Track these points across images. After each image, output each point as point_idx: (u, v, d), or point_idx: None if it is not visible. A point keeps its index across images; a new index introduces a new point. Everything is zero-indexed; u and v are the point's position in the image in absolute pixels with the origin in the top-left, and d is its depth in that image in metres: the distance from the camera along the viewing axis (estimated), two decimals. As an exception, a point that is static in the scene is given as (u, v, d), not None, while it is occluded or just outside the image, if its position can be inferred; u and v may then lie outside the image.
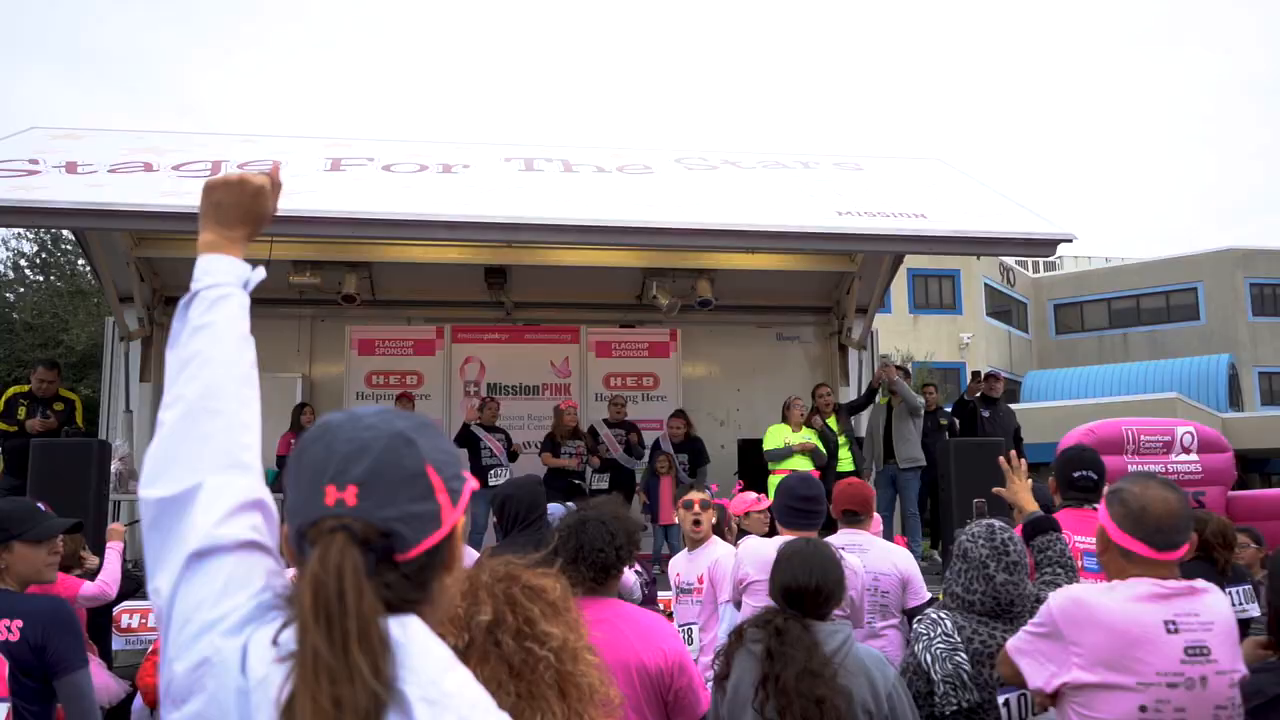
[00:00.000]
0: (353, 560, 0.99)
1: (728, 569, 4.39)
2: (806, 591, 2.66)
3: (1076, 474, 3.97)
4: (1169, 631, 2.20)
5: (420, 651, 1.01)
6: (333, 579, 0.97)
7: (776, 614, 2.67)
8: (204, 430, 1.17)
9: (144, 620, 5.98)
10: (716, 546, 4.79)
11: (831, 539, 4.08)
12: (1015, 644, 2.44)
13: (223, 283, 1.30)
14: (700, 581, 4.71)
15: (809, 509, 4.06)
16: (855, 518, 4.49)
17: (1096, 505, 3.96)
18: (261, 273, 1.35)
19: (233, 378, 1.23)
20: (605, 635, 1.65)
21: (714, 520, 4.90)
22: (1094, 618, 2.25)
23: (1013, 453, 3.64)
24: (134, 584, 4.95)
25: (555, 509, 4.18)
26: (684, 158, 9.35)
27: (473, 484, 1.15)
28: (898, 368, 9.64)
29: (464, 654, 1.31)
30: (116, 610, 5.76)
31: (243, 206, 1.38)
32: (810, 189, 8.34)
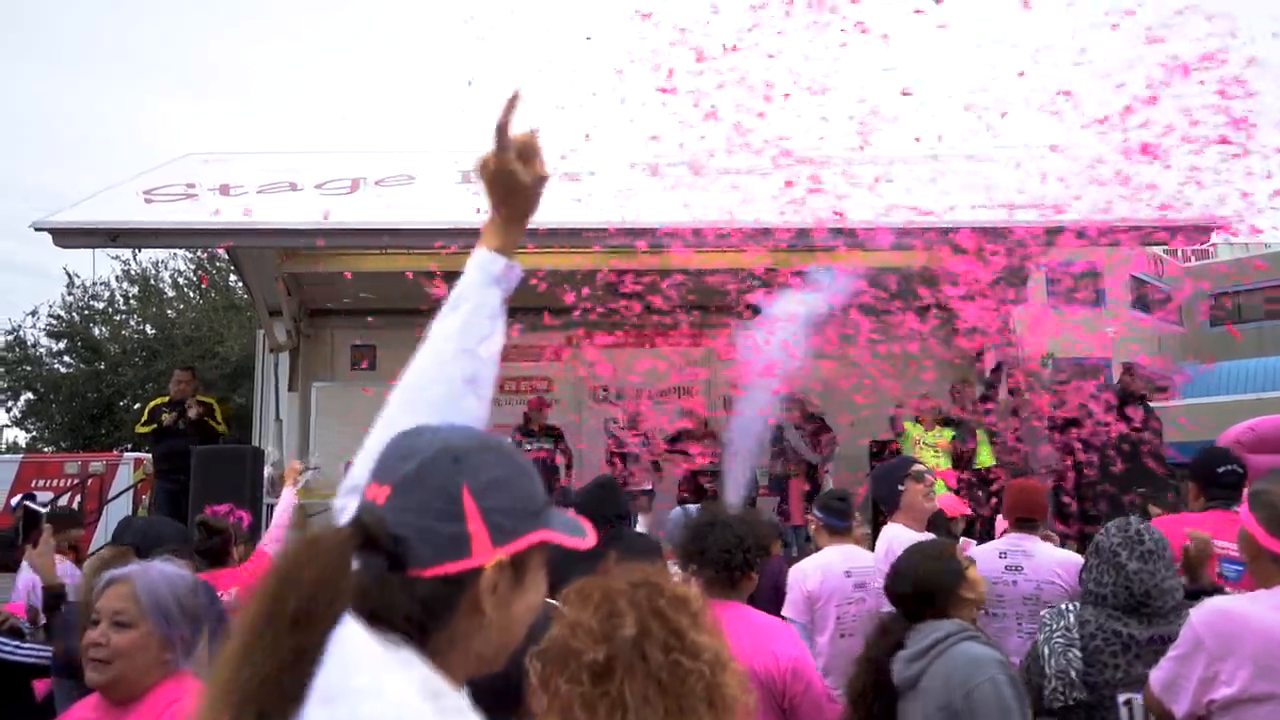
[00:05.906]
0: (341, 544, 0.98)
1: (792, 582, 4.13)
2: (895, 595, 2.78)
3: (1222, 469, 3.71)
4: None
5: (340, 650, 0.95)
6: (310, 550, 0.97)
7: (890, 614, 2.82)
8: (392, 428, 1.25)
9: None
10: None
11: (997, 544, 3.98)
12: (1158, 676, 2.32)
13: (464, 286, 1.35)
14: None
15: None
16: (1030, 524, 4.10)
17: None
18: (516, 270, 1.37)
19: (422, 386, 1.29)
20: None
21: (863, 530, 4.53)
22: (1241, 629, 2.13)
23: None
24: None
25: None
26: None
27: (542, 536, 1.11)
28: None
29: (605, 668, 1.29)
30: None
31: (496, 188, 1.36)
32: (935, 182, 8.11)
